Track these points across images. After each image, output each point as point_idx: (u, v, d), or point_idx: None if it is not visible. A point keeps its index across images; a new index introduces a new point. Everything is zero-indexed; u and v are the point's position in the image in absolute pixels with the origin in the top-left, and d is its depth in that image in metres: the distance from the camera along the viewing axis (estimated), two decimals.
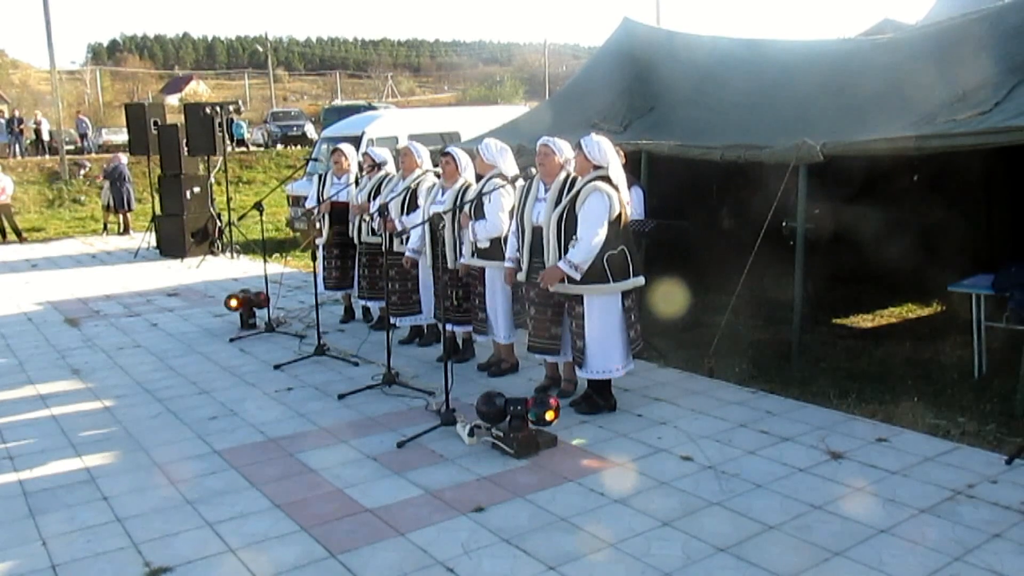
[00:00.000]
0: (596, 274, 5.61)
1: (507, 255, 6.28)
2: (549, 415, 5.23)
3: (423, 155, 7.52)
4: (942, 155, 6.36)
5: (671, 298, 7.33)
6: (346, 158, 8.44)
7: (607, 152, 5.69)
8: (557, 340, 6.03)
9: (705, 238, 8.19)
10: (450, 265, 6.79)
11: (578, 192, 5.62)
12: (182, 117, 14.87)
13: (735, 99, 8.00)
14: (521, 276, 6.06)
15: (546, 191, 5.86)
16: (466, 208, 6.54)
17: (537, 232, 5.86)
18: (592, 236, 5.52)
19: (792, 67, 8.02)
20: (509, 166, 6.64)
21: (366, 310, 8.93)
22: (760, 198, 6.84)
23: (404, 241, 7.33)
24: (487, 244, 6.52)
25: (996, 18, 6.73)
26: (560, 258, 5.63)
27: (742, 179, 8.33)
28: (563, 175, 5.82)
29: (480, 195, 6.44)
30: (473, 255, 6.64)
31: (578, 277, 5.58)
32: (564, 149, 5.90)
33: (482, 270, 6.66)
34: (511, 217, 6.30)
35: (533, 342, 6.13)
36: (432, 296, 7.38)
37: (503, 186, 6.35)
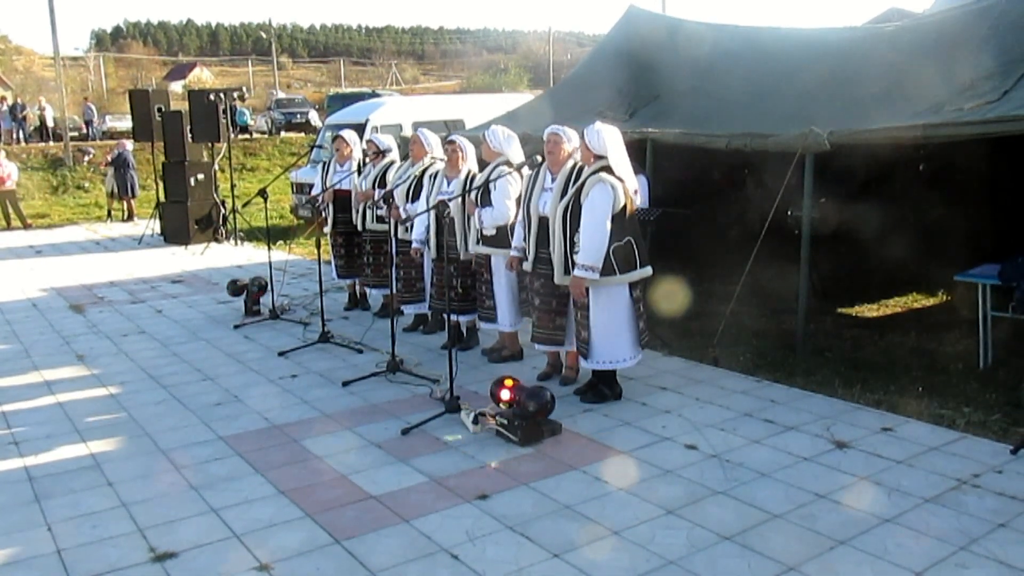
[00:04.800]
0: (602, 266, 5.59)
1: (513, 243, 6.26)
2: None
3: (432, 143, 7.48)
4: (948, 146, 6.35)
5: (674, 288, 7.32)
6: (348, 145, 8.38)
7: (606, 141, 5.61)
8: (562, 330, 6.02)
9: (710, 227, 8.16)
10: (461, 255, 6.78)
11: (583, 183, 5.59)
12: (186, 104, 14.85)
13: (740, 88, 7.97)
14: (527, 266, 6.04)
15: (553, 180, 5.83)
16: (472, 195, 6.51)
17: (543, 222, 5.83)
18: (596, 234, 5.47)
19: (797, 57, 7.99)
20: (516, 153, 6.60)
21: (364, 296, 8.96)
22: (765, 187, 6.82)
23: (408, 229, 7.32)
24: (493, 232, 6.50)
25: (1003, 7, 6.69)
26: (566, 250, 5.62)
27: (747, 168, 8.32)
28: (570, 164, 5.79)
29: (487, 182, 6.41)
30: (479, 243, 6.62)
31: (597, 276, 5.52)
32: (574, 138, 5.87)
33: (488, 257, 6.64)
34: (518, 205, 6.27)
35: (538, 333, 6.11)
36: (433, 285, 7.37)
37: (510, 173, 6.33)
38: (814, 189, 6.48)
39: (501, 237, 6.45)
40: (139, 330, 8.42)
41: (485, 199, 6.45)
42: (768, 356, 6.73)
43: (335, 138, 8.60)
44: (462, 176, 6.78)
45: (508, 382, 5.38)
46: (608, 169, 5.58)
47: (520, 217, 6.15)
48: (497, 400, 5.36)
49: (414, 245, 7.19)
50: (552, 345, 6.13)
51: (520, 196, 6.21)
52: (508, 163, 6.45)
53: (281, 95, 45.06)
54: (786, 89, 7.56)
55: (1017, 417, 5.30)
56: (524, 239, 6.05)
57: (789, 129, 6.49)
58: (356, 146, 8.43)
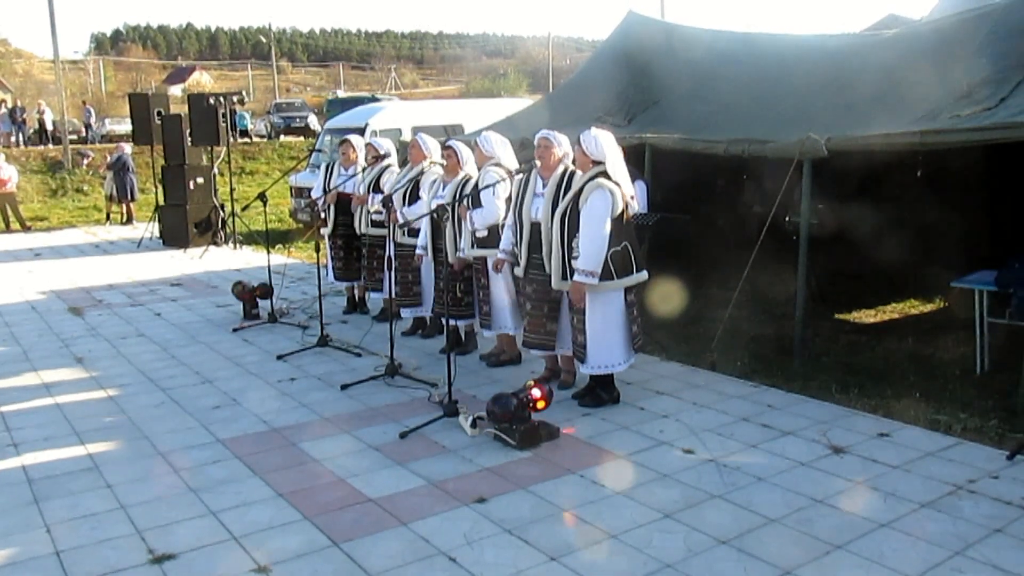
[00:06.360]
0: (601, 271, 5.59)
1: (501, 245, 6.28)
2: (540, 404, 5.27)
3: (431, 147, 7.51)
4: (945, 151, 6.36)
5: (672, 293, 7.33)
6: (354, 149, 8.43)
7: (604, 147, 5.61)
8: (553, 336, 6.03)
9: (708, 232, 8.18)
10: (450, 259, 6.79)
11: (581, 189, 5.59)
12: (186, 107, 14.88)
13: (739, 94, 7.99)
14: (519, 271, 6.06)
15: (544, 186, 5.85)
16: (465, 200, 6.53)
17: (535, 228, 5.84)
18: (596, 240, 5.48)
19: (795, 62, 8.01)
20: (508, 159, 6.63)
21: (363, 300, 8.98)
22: (763, 193, 6.84)
23: (406, 233, 7.33)
24: (485, 233, 6.51)
25: (1000, 14, 6.72)
26: (564, 256, 5.63)
27: (745, 174, 8.34)
28: (561, 169, 5.80)
29: (477, 185, 6.44)
30: (473, 245, 6.63)
31: (596, 281, 5.53)
32: (564, 143, 5.88)
33: (485, 261, 6.65)
34: (507, 205, 6.29)
35: (528, 337, 6.13)
36: (432, 289, 7.38)
37: (501, 177, 6.35)
38: (812, 192, 6.50)
39: (494, 237, 6.46)
40: (138, 333, 8.43)
41: (476, 201, 6.48)
42: (765, 361, 6.74)
43: (342, 142, 8.63)
44: (456, 180, 6.81)
45: (540, 404, 5.31)
46: (605, 175, 5.60)
47: (510, 220, 6.16)
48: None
49: (418, 251, 7.21)
50: (543, 349, 6.14)
51: (510, 198, 6.23)
52: (498, 164, 6.49)
53: (280, 99, 45.06)
54: (784, 94, 7.58)
55: (1013, 423, 5.32)
56: (514, 243, 6.07)
57: (787, 134, 6.52)
58: (362, 151, 8.47)
